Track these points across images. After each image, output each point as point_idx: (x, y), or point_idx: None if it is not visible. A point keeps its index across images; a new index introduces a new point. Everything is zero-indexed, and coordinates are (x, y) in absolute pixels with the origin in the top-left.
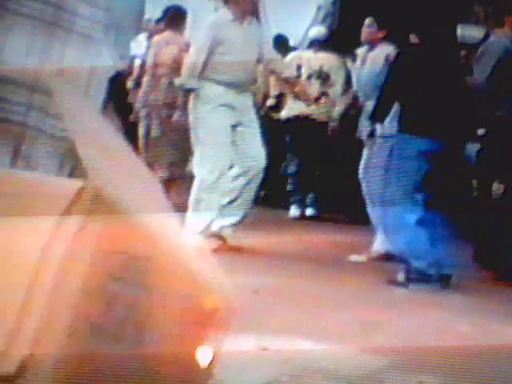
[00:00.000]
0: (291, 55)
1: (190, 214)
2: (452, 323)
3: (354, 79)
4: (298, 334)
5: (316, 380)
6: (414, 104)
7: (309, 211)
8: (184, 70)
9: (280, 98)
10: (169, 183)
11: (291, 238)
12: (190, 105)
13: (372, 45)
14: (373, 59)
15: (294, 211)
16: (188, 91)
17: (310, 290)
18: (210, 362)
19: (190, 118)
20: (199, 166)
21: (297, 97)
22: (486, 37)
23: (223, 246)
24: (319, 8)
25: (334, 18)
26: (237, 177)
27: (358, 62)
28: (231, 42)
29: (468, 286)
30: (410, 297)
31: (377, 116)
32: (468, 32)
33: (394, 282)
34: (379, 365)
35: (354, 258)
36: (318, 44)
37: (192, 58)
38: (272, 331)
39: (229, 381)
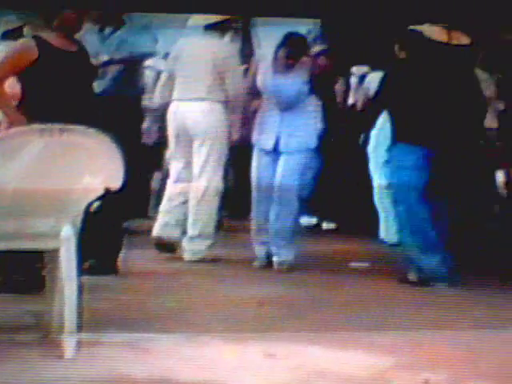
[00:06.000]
0: None
1: None
2: (455, 322)
3: None
4: (304, 341)
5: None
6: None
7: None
8: None
9: None
10: None
11: None
12: None
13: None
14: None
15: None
16: None
17: (313, 297)
18: None
19: None
20: None
21: None
22: None
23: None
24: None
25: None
26: None
27: None
28: None
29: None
30: (415, 296)
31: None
32: None
33: (406, 281)
34: (385, 365)
35: (355, 264)
36: None
37: None
38: (278, 339)
39: None
